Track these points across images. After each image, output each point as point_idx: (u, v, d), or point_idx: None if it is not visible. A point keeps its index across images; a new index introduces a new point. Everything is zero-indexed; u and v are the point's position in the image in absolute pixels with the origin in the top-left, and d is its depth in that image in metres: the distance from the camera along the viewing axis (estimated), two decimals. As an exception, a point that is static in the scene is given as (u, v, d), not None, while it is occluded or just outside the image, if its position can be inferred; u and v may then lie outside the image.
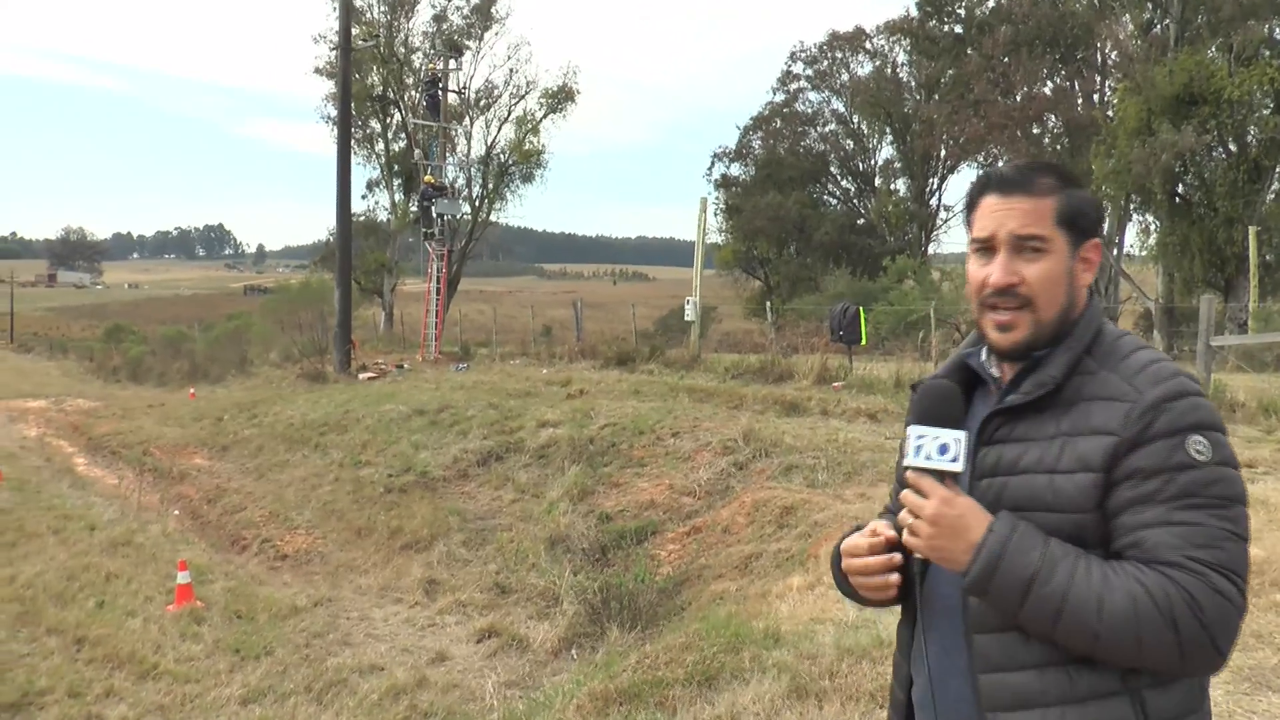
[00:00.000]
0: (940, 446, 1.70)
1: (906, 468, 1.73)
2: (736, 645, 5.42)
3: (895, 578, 1.83)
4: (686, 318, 23.79)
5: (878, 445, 11.32)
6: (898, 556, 1.83)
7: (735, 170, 57.13)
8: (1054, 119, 41.84)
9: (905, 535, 1.74)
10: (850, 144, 55.29)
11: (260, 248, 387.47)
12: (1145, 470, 1.64)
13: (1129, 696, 1.64)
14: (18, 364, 54.89)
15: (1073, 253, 1.81)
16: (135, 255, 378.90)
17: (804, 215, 51.63)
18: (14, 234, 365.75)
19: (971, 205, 1.90)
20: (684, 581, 9.11)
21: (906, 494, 1.72)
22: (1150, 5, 35.52)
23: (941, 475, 1.70)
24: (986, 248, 1.83)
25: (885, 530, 1.85)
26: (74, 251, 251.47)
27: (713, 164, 57.20)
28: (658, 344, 24.19)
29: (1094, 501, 1.67)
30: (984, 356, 1.91)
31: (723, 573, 8.82)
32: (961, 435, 1.71)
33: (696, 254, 24.17)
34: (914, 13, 47.94)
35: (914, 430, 1.74)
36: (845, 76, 54.18)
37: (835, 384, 16.86)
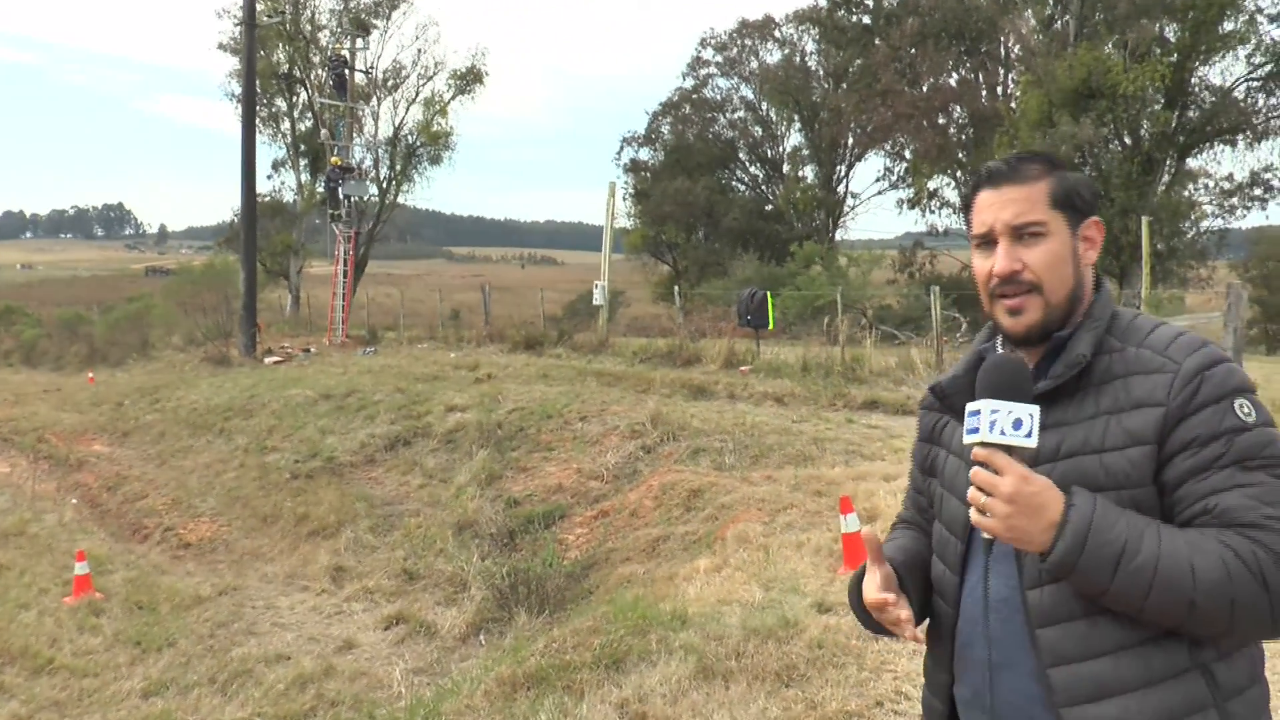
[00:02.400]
0: (1015, 421, 1.62)
1: (978, 444, 1.65)
2: (643, 628, 5.47)
3: (906, 613, 1.82)
4: (595, 302, 23.83)
5: (784, 429, 11.45)
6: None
7: (644, 155, 57.14)
8: (959, 110, 42.74)
9: (974, 515, 1.66)
10: (759, 131, 55.62)
11: (162, 228, 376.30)
12: (1201, 437, 1.63)
13: (1199, 672, 1.63)
14: (-107, 348, 52.79)
15: (1073, 232, 1.82)
16: (28, 235, 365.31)
17: (712, 201, 51.85)
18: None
19: (968, 206, 1.91)
20: (592, 565, 9.14)
21: (978, 472, 1.64)
22: (1051, 1, 36.42)
23: (1012, 451, 1.63)
24: (987, 241, 1.84)
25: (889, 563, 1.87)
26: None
27: (622, 149, 57.24)
28: (566, 328, 24.17)
29: (1149, 475, 1.66)
30: (999, 349, 1.89)
31: (630, 556, 8.87)
32: (1035, 410, 1.64)
33: (605, 238, 24.19)
34: (823, 2, 48.50)
35: (986, 404, 1.65)
36: (755, 64, 54.49)
37: (743, 368, 17.00)
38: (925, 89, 42.19)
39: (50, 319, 53.09)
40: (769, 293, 20.73)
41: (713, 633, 5.43)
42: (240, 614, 9.31)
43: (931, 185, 43.72)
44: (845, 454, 10.24)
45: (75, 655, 8.24)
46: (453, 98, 42.45)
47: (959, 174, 42.06)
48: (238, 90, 36.21)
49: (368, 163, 40.51)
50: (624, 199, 52.74)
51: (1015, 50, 39.53)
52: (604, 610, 6.00)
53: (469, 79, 42.36)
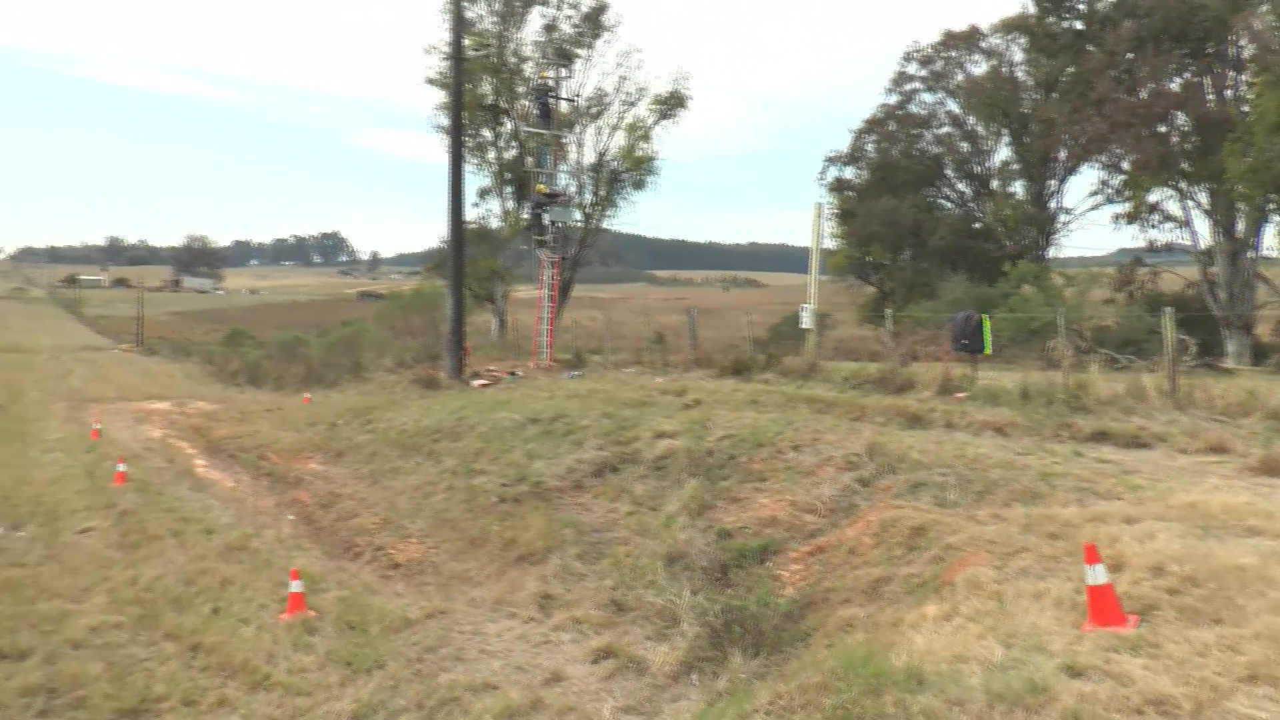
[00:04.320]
0: None
1: None
2: (877, 687, 4.99)
3: None
4: (802, 325, 23.28)
5: (1008, 462, 10.70)
6: None
7: (849, 174, 56.38)
8: (1182, 116, 40.01)
9: None
10: (966, 146, 53.93)
11: (374, 254, 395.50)
12: None
13: None
14: (145, 366, 56.82)
15: None
16: (254, 262, 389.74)
17: (919, 219, 50.58)
18: (143, 241, 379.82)
19: None
20: (809, 605, 8.64)
21: None
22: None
23: None
24: None
25: None
26: (197, 258, 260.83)
27: (826, 168, 56.47)
28: (773, 352, 23.67)
29: None
30: None
31: (850, 597, 8.34)
32: None
33: (812, 260, 23.62)
34: (1032, 9, 46.60)
35: None
36: (960, 76, 52.99)
37: (958, 395, 16.23)
38: (1144, 96, 39.69)
39: (271, 341, 56.20)
40: (984, 315, 19.77)
41: (953, 696, 4.91)
42: (448, 639, 9.22)
43: (1151, 198, 41.21)
44: (1077, 491, 9.44)
45: (290, 673, 8.32)
46: (655, 123, 42.90)
47: (1183, 185, 39.42)
48: (445, 122, 37.29)
49: (572, 189, 41.28)
50: (828, 219, 51.99)
51: (1248, 50, 36.85)
52: (831, 664, 5.52)
53: (671, 103, 42.69)
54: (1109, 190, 46.07)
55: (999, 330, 24.28)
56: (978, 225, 51.94)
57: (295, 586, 9.70)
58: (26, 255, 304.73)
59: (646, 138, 42.69)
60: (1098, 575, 6.10)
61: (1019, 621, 6.25)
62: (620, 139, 43.26)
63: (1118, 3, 41.89)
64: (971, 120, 53.06)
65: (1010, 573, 7.30)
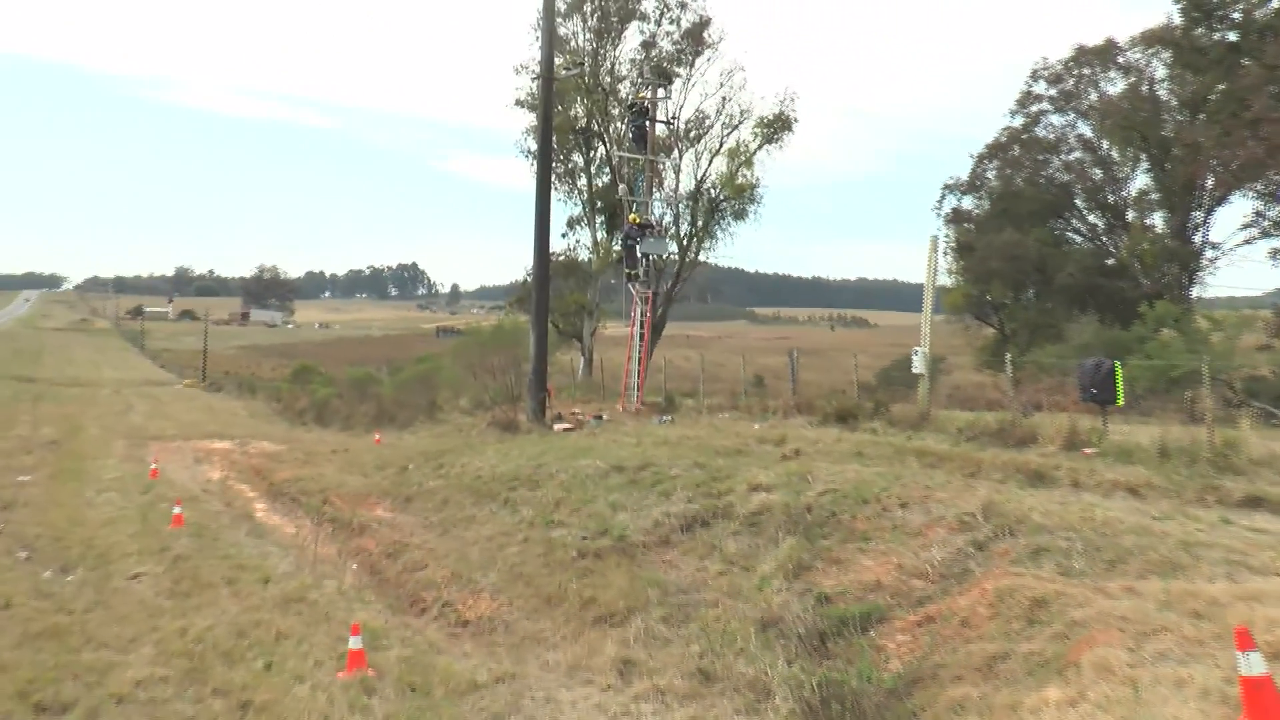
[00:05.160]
0: None
1: None
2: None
3: None
4: (914, 369, 22.94)
5: (1143, 528, 10.32)
6: None
7: (967, 204, 55.73)
8: (1354, 139, 38.50)
9: None
10: (1098, 173, 52.76)
11: (454, 288, 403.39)
12: None
13: None
14: (208, 402, 58.28)
15: None
16: (327, 294, 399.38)
17: (1044, 254, 49.68)
18: (211, 272, 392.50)
19: None
20: (916, 682, 8.40)
21: None
22: None
23: None
24: None
25: None
26: (267, 290, 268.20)
27: (943, 197, 55.94)
28: (881, 399, 23.36)
29: None
30: None
31: (961, 674, 8.08)
32: None
33: (926, 298, 23.29)
34: (1177, 20, 45.31)
35: None
36: (1093, 96, 51.93)
37: (1087, 450, 15.82)
38: (1309, 115, 38.24)
39: (342, 378, 57.19)
40: (1117, 363, 19.26)
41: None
42: (518, 705, 9.15)
43: (1315, 231, 39.71)
44: (1226, 564, 9.05)
45: (345, 737, 8.32)
46: (759, 147, 42.74)
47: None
48: (533, 147, 37.78)
49: (667, 219, 41.39)
50: (945, 253, 51.36)
51: None
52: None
53: (776, 126, 42.48)
54: (1265, 222, 44.66)
55: (1134, 379, 23.62)
56: (1111, 261, 50.73)
57: (355, 643, 9.71)
58: (93, 285, 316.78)
59: (749, 163, 42.59)
60: (1253, 664, 5.76)
61: (1156, 714, 5.99)
62: (720, 165, 43.26)
63: (1280, 10, 40.56)
64: (1105, 145, 51.87)
65: (1146, 656, 7.01)
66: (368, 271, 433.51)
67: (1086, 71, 51.94)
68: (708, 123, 43.73)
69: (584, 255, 45.88)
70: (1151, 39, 47.56)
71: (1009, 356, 22.79)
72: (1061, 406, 19.37)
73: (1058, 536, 10.15)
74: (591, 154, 44.76)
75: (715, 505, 13.83)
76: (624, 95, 42.29)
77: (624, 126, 39.51)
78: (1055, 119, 53.55)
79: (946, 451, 16.35)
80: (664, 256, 39.10)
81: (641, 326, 30.72)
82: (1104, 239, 52.83)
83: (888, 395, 25.14)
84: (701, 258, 44.69)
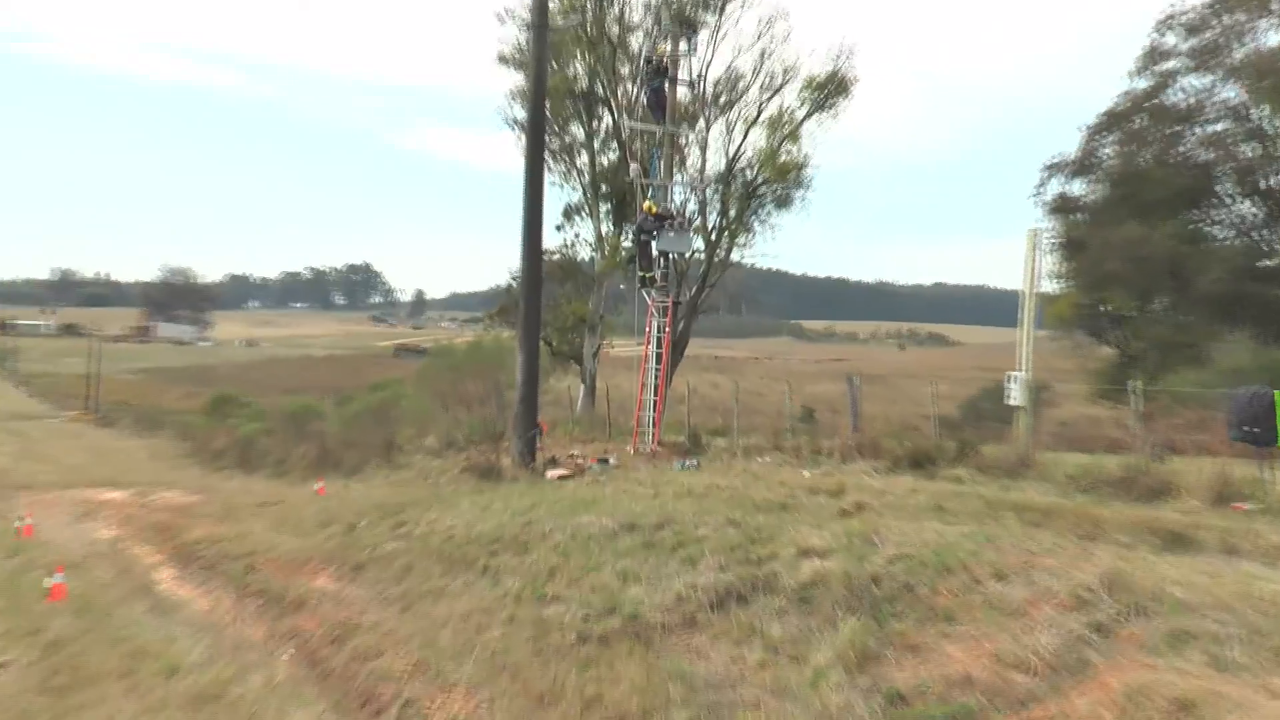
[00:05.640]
0: None
1: None
2: None
3: None
4: (1009, 400, 22.94)
5: (1321, 605, 10.27)
6: None
7: (1077, 188, 55.70)
8: None
9: None
10: (1251, 149, 52.59)
11: (419, 295, 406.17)
12: None
13: None
14: (96, 441, 58.50)
15: None
16: (255, 303, 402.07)
17: (1179, 253, 49.61)
18: (104, 275, 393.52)
19: None
20: (1020, 810, 8.35)
21: None
22: None
23: None
24: None
25: None
26: (177, 298, 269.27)
27: (1044, 181, 55.98)
28: (967, 437, 23.34)
29: None
30: None
31: (1081, 801, 8.02)
32: None
33: (1024, 309, 23.28)
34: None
35: None
36: (1242, 51, 51.73)
37: (1241, 505, 15.80)
38: None
39: (274, 411, 57.27)
40: (1278, 392, 19.21)
41: None
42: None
43: None
44: None
45: None
46: (808, 116, 42.64)
47: None
48: (521, 115, 37.85)
49: (691, 207, 41.35)
50: (1048, 252, 51.32)
51: None
52: None
53: (830, 90, 42.37)
54: None
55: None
56: (1269, 263, 50.62)
57: (292, 758, 9.66)
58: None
59: (795, 136, 42.51)
60: None
61: None
62: (759, 138, 43.20)
63: None
64: (1261, 112, 51.71)
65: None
66: (308, 275, 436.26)
67: (1234, 19, 51.77)
68: (742, 84, 43.75)
69: (585, 254, 45.99)
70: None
71: (1134, 384, 22.71)
72: (1206, 448, 19.37)
73: (1207, 618, 10.08)
74: (595, 125, 44.83)
75: (755, 575, 13.79)
76: (636, 50, 42.31)
77: (636, 90, 39.62)
78: (1192, 80, 53.40)
79: (1054, 506, 16.33)
80: (687, 255, 39.11)
81: (659, 345, 30.74)
82: (1260, 233, 52.64)
83: (975, 433, 25.15)
84: (735, 257, 44.67)
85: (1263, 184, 52.18)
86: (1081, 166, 55.28)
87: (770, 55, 43.35)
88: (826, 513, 16.65)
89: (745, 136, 43.38)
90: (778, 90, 43.01)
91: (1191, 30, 52.62)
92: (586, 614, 13.90)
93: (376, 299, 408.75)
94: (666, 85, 32.89)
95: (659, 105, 32.71)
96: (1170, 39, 53.15)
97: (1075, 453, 23.18)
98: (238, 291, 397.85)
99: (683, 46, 35.36)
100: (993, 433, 25.15)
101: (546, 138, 34.69)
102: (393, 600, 16.69)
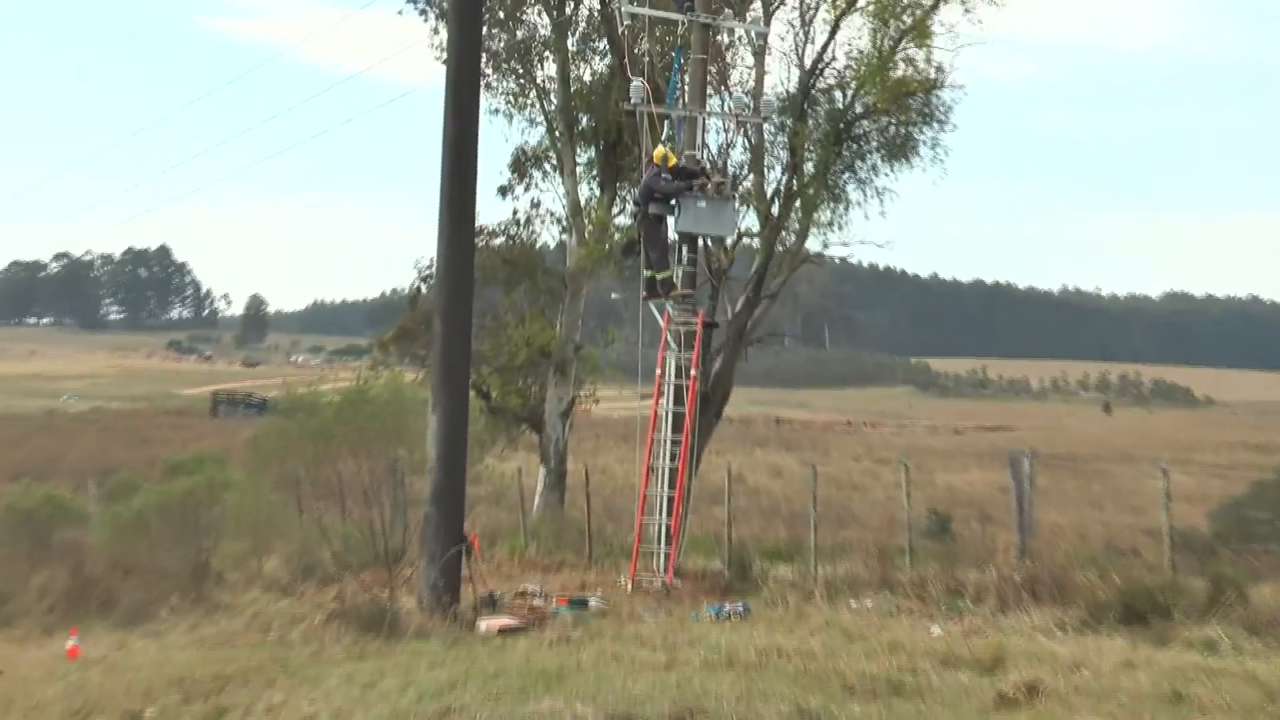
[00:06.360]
0: None
1: None
2: None
3: None
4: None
5: None
6: None
7: None
8: None
9: None
10: None
11: (255, 305, 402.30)
12: None
13: None
14: None
15: None
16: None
17: None
18: None
19: None
20: None
21: None
22: None
23: None
24: None
25: None
26: None
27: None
28: (1224, 570, 23.24)
29: None
30: None
31: None
32: None
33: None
34: None
35: None
36: None
37: None
38: None
39: (-11, 509, 56.95)
40: None
41: None
42: None
43: None
44: None
45: None
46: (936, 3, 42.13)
47: None
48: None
49: (737, 155, 41.19)
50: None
51: None
52: None
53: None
54: None
55: None
56: None
57: None
58: None
59: (923, 31, 42.19)
60: None
61: None
62: (858, 34, 42.95)
63: None
64: None
65: None
66: (55, 269, 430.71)
67: None
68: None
69: (550, 236, 45.71)
70: None
71: None
72: None
73: None
74: (572, 8, 44.66)
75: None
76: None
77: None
78: None
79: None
80: (729, 241, 38.86)
81: (678, 399, 30.45)
82: None
83: (1242, 563, 25.06)
84: (813, 245, 44.24)
85: None
86: None
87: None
88: (973, 703, 16.57)
89: (834, 32, 43.09)
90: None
91: None
92: None
93: (179, 312, 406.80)
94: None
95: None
96: None
97: None
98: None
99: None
100: (1274, 564, 25.15)
101: (486, 28, 34.62)
102: None
